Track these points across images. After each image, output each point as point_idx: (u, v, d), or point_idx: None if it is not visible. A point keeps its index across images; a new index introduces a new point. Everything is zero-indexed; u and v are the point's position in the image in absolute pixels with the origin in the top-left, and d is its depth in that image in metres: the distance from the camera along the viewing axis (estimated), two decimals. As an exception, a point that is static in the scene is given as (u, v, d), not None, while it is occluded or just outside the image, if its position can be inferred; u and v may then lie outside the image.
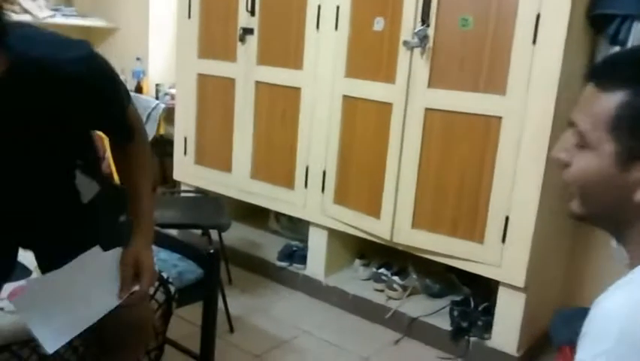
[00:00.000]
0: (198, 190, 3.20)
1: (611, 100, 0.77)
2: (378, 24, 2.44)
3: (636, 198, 0.77)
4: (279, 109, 2.86)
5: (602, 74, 0.80)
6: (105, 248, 1.34)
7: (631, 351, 0.69)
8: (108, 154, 1.92)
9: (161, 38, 4.13)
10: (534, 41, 2.07)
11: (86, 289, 1.33)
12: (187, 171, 3.28)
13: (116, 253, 1.36)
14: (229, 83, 2.99)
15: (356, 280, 2.88)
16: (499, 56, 2.15)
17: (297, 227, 3.20)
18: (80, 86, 1.12)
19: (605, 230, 0.87)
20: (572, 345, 2.14)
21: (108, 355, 1.56)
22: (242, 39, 2.87)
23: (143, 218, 1.39)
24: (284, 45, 2.78)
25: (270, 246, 3.18)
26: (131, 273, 1.35)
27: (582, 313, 2.21)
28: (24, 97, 1.09)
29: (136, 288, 1.36)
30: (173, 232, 2.39)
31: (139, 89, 4.01)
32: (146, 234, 1.39)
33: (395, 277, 2.74)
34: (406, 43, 2.30)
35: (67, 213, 1.38)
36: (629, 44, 2.12)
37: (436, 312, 2.59)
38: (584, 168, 0.81)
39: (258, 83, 2.89)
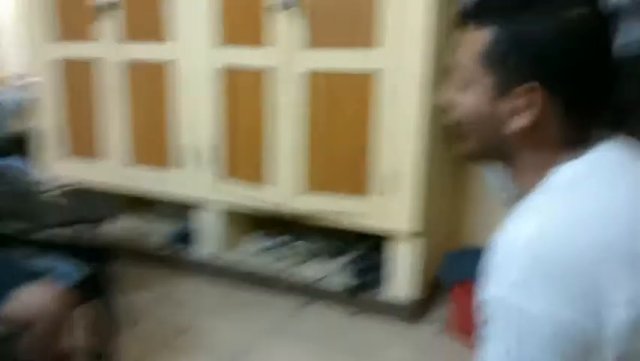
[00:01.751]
0: (78, 184, 3.00)
1: (483, 36, 0.80)
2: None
3: (507, 129, 0.81)
4: (156, 87, 2.73)
5: (474, 14, 0.83)
6: None
7: (536, 278, 0.70)
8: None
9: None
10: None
11: None
12: (63, 165, 3.06)
13: None
14: (94, 65, 2.81)
15: (254, 254, 2.86)
16: (373, 9, 2.17)
17: (185, 208, 3.11)
18: None
19: (495, 165, 0.89)
20: (462, 283, 2.28)
21: None
22: (104, 15, 2.68)
23: None
24: (153, 18, 2.64)
25: (161, 232, 3.07)
26: None
27: (469, 253, 2.34)
28: None
29: None
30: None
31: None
32: None
33: (294, 244, 2.76)
34: (279, 4, 2.27)
35: None
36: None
37: (335, 273, 2.64)
38: (467, 105, 0.84)
39: (128, 61, 2.74)
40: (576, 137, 0.80)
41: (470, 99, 0.83)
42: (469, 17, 0.83)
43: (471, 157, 0.90)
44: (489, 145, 0.85)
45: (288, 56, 2.34)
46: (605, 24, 0.79)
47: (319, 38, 2.29)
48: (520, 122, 0.79)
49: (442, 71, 2.19)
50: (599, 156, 0.79)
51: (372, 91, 2.25)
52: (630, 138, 0.84)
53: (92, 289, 1.85)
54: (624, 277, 0.69)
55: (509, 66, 0.79)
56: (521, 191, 0.84)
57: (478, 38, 0.81)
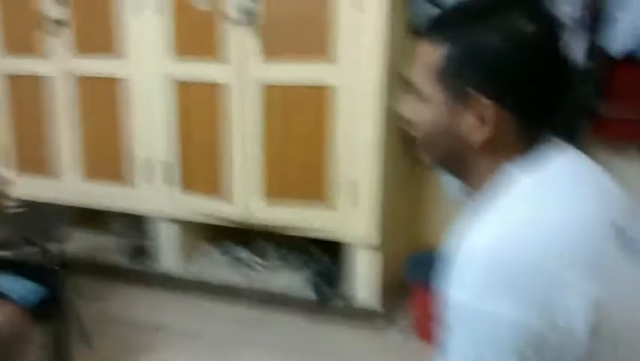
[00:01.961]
0: (28, 202, 2.91)
1: (437, 53, 0.82)
2: (203, 1, 2.36)
3: (471, 140, 0.82)
4: (108, 102, 2.67)
5: (430, 31, 0.85)
6: None
7: (496, 283, 0.72)
8: None
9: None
10: (358, 7, 2.13)
11: None
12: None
13: None
14: (44, 81, 2.73)
15: (215, 266, 2.83)
16: (327, 24, 2.19)
17: (143, 223, 3.05)
18: None
19: (452, 173, 0.91)
20: (424, 286, 2.30)
21: None
22: (52, 31, 2.62)
23: None
24: (104, 34, 2.59)
25: (117, 247, 3.00)
26: None
27: (430, 255, 2.35)
28: None
29: None
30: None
31: None
32: None
33: (254, 256, 2.74)
34: (232, 19, 2.25)
35: None
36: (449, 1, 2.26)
37: (298, 283, 2.64)
38: (425, 120, 0.86)
39: (79, 77, 2.68)
40: (530, 144, 0.83)
41: (428, 113, 0.85)
42: (427, 33, 0.85)
43: (433, 167, 0.92)
44: (446, 156, 0.88)
45: (242, 70, 2.33)
46: (555, 37, 0.82)
47: (273, 52, 2.29)
48: (476, 136, 0.81)
49: (399, 82, 2.22)
50: (552, 163, 0.81)
51: (327, 104, 2.27)
52: (578, 142, 0.87)
53: (48, 308, 1.79)
54: (583, 282, 0.71)
55: (463, 81, 0.80)
56: (478, 197, 0.86)
57: (434, 54, 0.82)
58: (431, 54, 0.82)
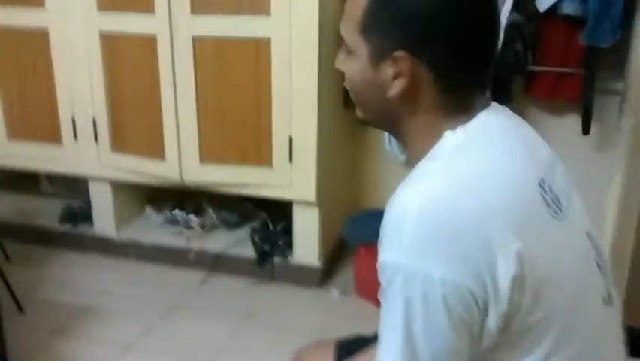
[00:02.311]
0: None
1: (361, 4, 0.81)
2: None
3: (389, 94, 0.82)
4: (28, 57, 2.50)
5: None
6: None
7: (426, 243, 0.73)
8: None
9: None
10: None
11: None
12: None
13: None
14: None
15: (150, 229, 2.74)
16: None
17: (74, 185, 2.92)
18: None
19: (387, 131, 0.92)
20: (365, 244, 2.31)
21: None
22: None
23: None
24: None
25: (47, 211, 2.86)
26: None
27: (369, 214, 2.39)
28: None
29: None
30: None
31: None
32: None
33: (191, 217, 2.67)
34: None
35: None
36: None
37: (237, 243, 2.59)
38: (350, 73, 0.87)
39: (-6, 28, 2.49)
40: (457, 103, 0.82)
41: (354, 66, 0.85)
42: None
43: (365, 122, 0.93)
44: (376, 111, 0.88)
45: (170, 22, 2.20)
46: None
47: (203, 2, 2.17)
48: (393, 90, 0.81)
49: (329, 39, 2.16)
50: (481, 121, 0.82)
51: (262, 59, 2.18)
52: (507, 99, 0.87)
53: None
54: (508, 238, 0.73)
55: (381, 33, 0.80)
56: (412, 157, 0.86)
57: (358, 5, 0.82)
58: (356, 5, 0.82)
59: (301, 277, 2.46)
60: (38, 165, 2.70)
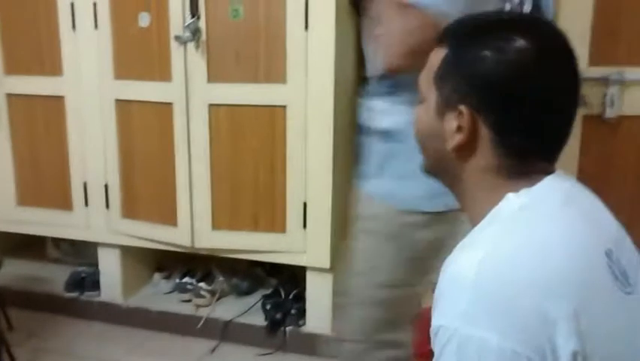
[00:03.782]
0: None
1: (439, 56, 0.85)
2: (144, 19, 2.27)
3: (448, 146, 0.83)
4: (41, 123, 2.52)
5: (442, 35, 0.88)
6: None
7: (484, 309, 0.71)
8: None
9: None
10: (306, 27, 2.09)
11: None
12: None
13: None
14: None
15: (159, 296, 2.68)
16: (274, 44, 2.13)
17: (82, 251, 2.88)
18: None
19: (448, 187, 0.91)
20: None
21: None
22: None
23: None
24: (36, 51, 2.45)
25: (53, 277, 2.81)
26: None
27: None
28: None
29: None
30: None
31: None
32: None
33: (201, 284, 2.62)
34: (177, 38, 2.16)
35: None
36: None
37: (248, 310, 2.53)
38: (418, 120, 0.90)
39: (9, 95, 2.52)
40: (519, 168, 0.81)
41: (422, 114, 0.89)
42: (439, 39, 0.88)
43: (426, 172, 0.94)
44: (435, 162, 0.90)
45: (186, 91, 2.23)
46: (548, 59, 0.79)
47: (219, 71, 2.20)
48: (453, 140, 0.82)
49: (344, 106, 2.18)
50: (546, 186, 0.81)
51: (277, 125, 2.20)
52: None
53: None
54: (569, 308, 0.70)
55: (452, 85, 0.83)
56: (471, 219, 0.86)
57: (437, 57, 0.86)
58: (435, 57, 0.86)
59: (314, 346, 2.39)
60: (47, 230, 2.67)
